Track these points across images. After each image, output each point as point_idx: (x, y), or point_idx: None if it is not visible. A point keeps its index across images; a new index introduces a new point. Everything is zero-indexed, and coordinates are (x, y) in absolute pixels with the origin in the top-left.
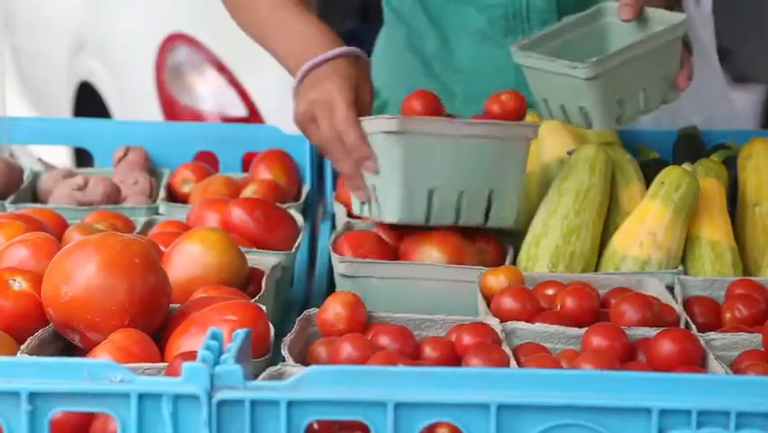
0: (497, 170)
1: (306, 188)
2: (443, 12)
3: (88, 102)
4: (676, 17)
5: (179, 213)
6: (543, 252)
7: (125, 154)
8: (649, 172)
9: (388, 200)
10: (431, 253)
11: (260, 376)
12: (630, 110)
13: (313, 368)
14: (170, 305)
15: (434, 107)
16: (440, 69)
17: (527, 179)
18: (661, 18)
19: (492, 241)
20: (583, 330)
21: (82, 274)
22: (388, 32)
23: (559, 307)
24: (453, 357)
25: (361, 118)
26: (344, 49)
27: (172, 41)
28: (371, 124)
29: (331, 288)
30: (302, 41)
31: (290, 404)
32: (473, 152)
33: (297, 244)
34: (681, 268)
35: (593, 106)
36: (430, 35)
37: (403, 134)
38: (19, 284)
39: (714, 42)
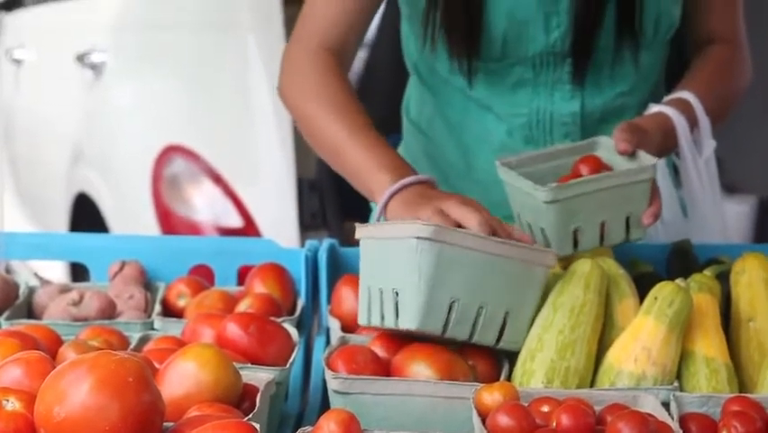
0: (516, 292)
1: (301, 302)
2: (463, 121)
3: (86, 212)
4: (647, 160)
5: (174, 328)
6: (538, 367)
7: (121, 268)
8: (642, 286)
9: (407, 307)
10: (421, 370)
11: None
12: (587, 240)
13: None
14: (164, 423)
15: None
16: (457, 179)
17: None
18: (641, 160)
19: (486, 356)
20: None
21: (75, 394)
22: (406, 144)
23: (554, 424)
24: None
25: (395, 221)
26: (426, 176)
27: (169, 152)
28: (404, 228)
29: (326, 402)
30: (385, 163)
31: None
32: (497, 270)
33: (291, 360)
34: (676, 384)
35: (550, 229)
36: (449, 145)
37: (435, 242)
38: (12, 404)
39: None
